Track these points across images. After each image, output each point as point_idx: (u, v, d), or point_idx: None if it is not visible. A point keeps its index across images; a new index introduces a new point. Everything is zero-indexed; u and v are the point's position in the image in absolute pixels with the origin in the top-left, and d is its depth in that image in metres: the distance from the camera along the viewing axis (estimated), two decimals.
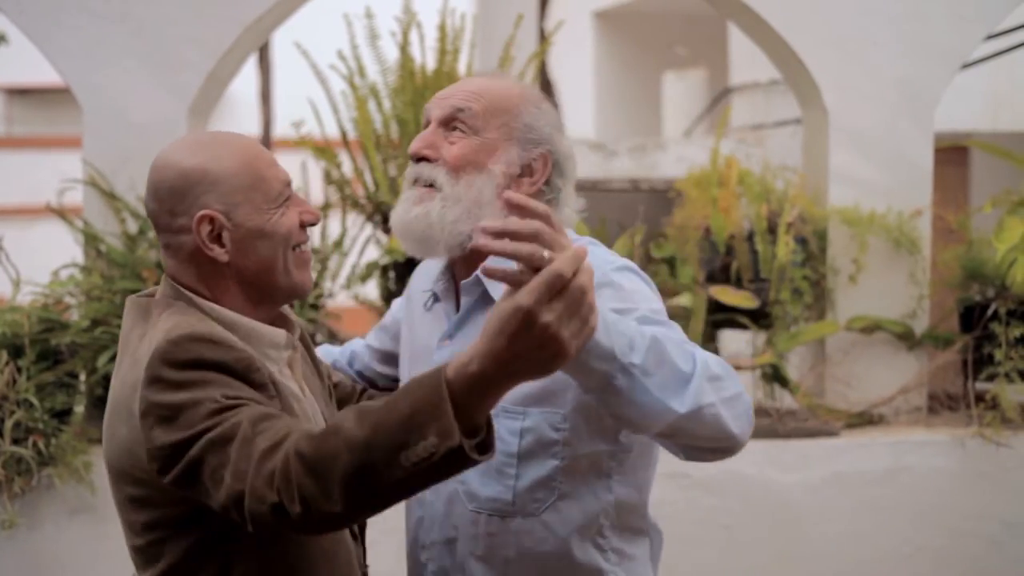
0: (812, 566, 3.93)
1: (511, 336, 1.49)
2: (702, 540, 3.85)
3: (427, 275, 2.21)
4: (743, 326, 4.18)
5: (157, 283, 3.72)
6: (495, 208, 1.97)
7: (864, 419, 4.13)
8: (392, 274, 4.16)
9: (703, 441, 1.79)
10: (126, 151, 3.96)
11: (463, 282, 2.05)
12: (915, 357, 4.20)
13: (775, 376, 4.08)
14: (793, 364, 4.34)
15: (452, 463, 1.57)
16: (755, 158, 4.65)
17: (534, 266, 1.47)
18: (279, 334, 1.95)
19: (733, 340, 5.25)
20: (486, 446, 1.59)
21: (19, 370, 3.60)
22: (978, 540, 3.98)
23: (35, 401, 3.58)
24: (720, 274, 4.18)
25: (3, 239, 3.92)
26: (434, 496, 2.06)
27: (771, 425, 3.96)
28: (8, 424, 3.55)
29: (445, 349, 2.07)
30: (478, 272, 2.00)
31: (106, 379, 3.74)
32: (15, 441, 3.58)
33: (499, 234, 1.49)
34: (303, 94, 4.54)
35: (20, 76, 11.77)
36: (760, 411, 4.05)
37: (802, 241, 4.12)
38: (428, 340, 2.13)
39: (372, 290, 4.28)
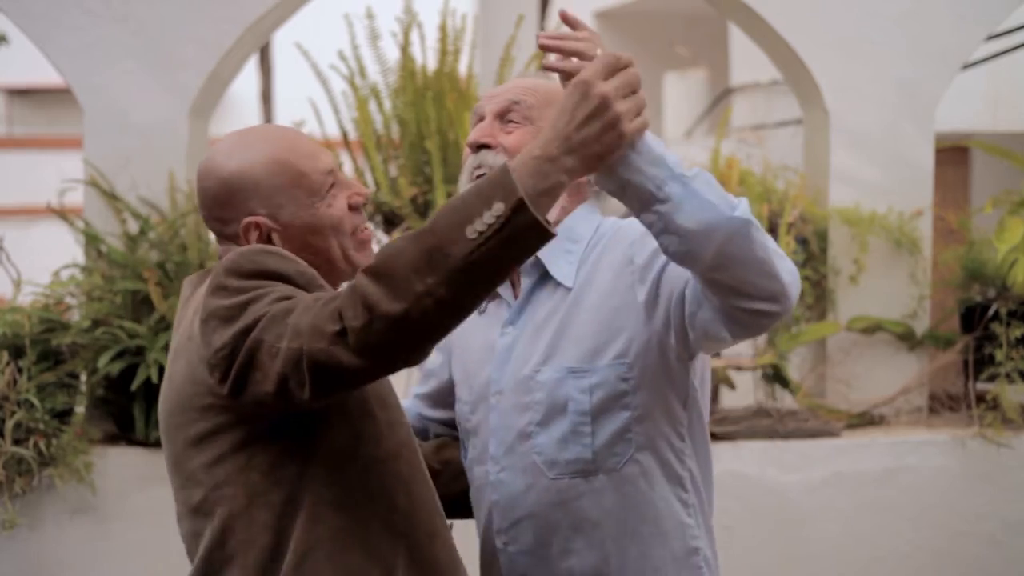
0: (813, 566, 3.93)
1: (570, 109, 1.57)
2: None
3: None
4: None
5: (158, 283, 3.75)
6: None
7: (865, 419, 4.13)
8: None
9: (753, 279, 1.76)
10: (126, 151, 3.97)
11: (523, 267, 2.06)
12: (916, 357, 4.20)
13: (776, 376, 4.08)
14: (794, 364, 4.34)
15: (521, 229, 1.56)
16: (756, 158, 4.64)
17: (589, 59, 1.61)
18: None
19: None
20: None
21: (20, 370, 3.61)
22: (978, 540, 3.97)
23: (36, 401, 3.58)
24: None
25: (4, 239, 3.92)
26: (510, 475, 2.06)
27: (772, 425, 3.96)
28: (9, 424, 3.55)
29: (508, 335, 2.09)
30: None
31: (107, 379, 3.74)
32: (16, 441, 3.58)
33: (556, 40, 1.64)
34: (304, 94, 4.54)
35: (20, 76, 11.76)
36: (761, 411, 4.05)
37: (803, 241, 4.12)
38: (487, 336, 2.14)
39: None
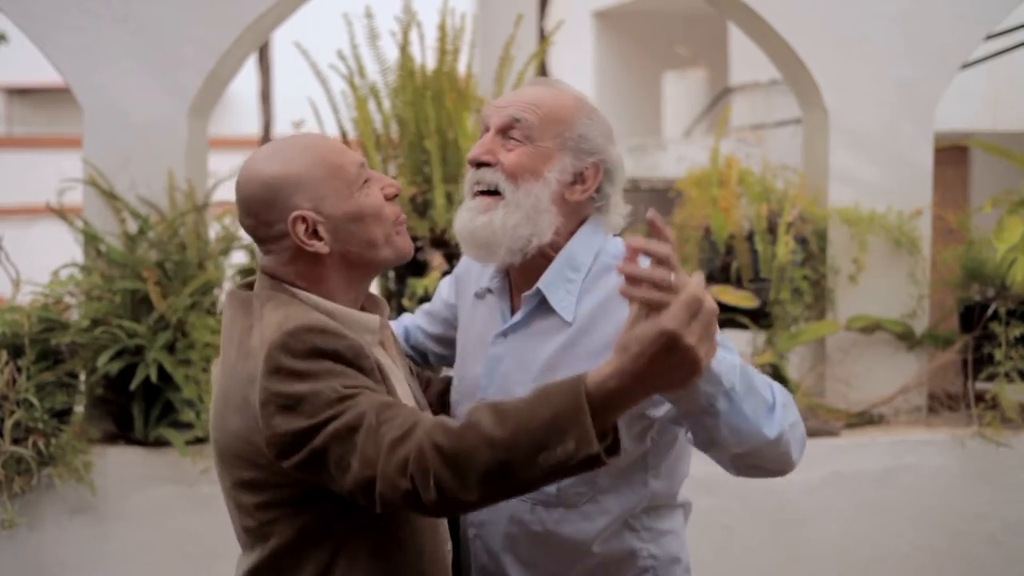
0: (812, 566, 3.93)
1: (653, 357, 1.63)
2: (702, 540, 3.85)
3: (477, 265, 2.31)
4: (743, 326, 4.18)
5: (157, 283, 3.75)
6: (551, 214, 2.09)
7: (864, 419, 4.13)
8: (392, 273, 4.17)
9: (769, 463, 1.94)
10: (126, 151, 3.97)
11: (524, 294, 2.16)
12: (915, 357, 4.20)
13: (775, 376, 4.07)
14: (793, 364, 4.34)
15: (585, 466, 1.69)
16: (755, 158, 4.65)
17: (663, 288, 1.61)
18: (372, 319, 2.07)
19: (733, 340, 5.23)
20: (613, 448, 1.72)
21: (19, 370, 3.60)
22: (978, 540, 3.98)
23: (35, 401, 3.58)
24: (720, 274, 4.18)
25: (3, 239, 3.92)
26: None
27: None
28: (8, 424, 3.55)
29: (499, 346, 2.18)
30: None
31: (106, 378, 3.74)
32: (15, 441, 3.58)
33: (641, 271, 1.62)
34: (303, 94, 4.54)
35: (20, 76, 11.75)
36: None
37: (802, 241, 4.12)
38: (482, 331, 2.23)
39: (372, 289, 4.28)
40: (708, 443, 1.92)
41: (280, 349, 1.88)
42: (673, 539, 2.23)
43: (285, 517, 1.96)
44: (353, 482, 1.80)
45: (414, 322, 2.52)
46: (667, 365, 1.63)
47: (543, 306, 2.13)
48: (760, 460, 1.93)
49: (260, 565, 1.99)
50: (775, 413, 1.90)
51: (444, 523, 2.13)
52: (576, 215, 2.14)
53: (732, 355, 1.91)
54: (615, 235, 2.22)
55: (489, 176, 2.10)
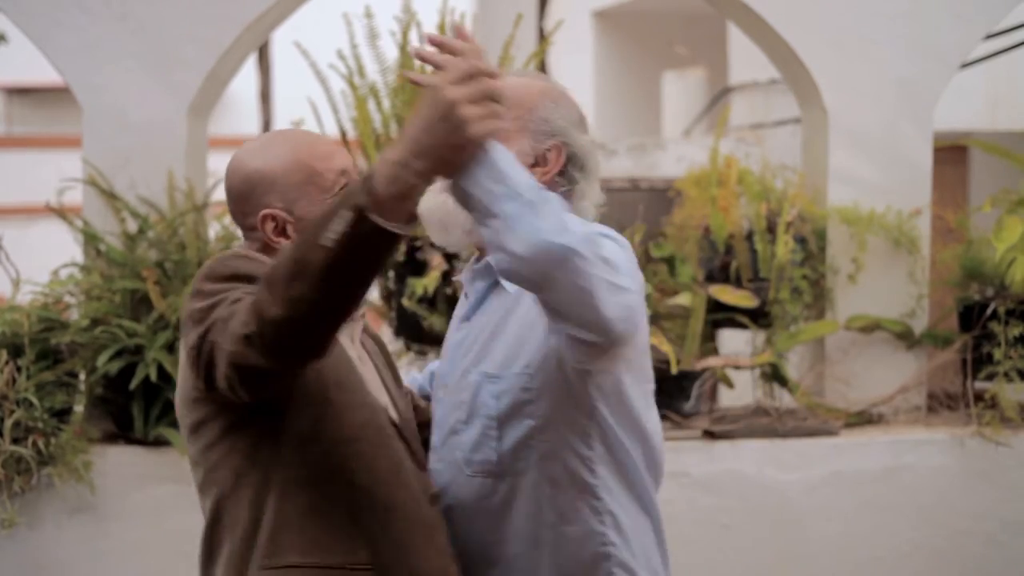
0: (811, 565, 3.93)
1: (420, 114, 1.68)
2: (701, 540, 3.85)
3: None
4: (742, 325, 4.18)
5: (156, 282, 3.75)
6: None
7: (863, 418, 4.13)
8: (392, 273, 4.17)
9: (573, 308, 1.82)
10: (126, 151, 3.97)
11: (475, 266, 2.15)
12: (914, 356, 4.20)
13: (774, 375, 4.08)
14: (792, 363, 4.34)
15: (367, 235, 1.69)
16: (754, 157, 4.64)
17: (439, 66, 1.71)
18: None
19: (732, 339, 5.25)
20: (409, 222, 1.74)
21: (19, 369, 3.61)
22: (977, 539, 3.98)
23: (35, 400, 3.58)
24: (719, 273, 4.18)
25: (3, 238, 3.92)
26: (443, 466, 2.16)
27: (770, 424, 3.96)
28: (8, 423, 3.55)
29: (461, 331, 2.18)
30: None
31: (106, 378, 3.74)
32: (15, 440, 3.58)
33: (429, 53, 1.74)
34: (302, 93, 4.53)
35: (20, 76, 11.76)
36: (759, 410, 4.05)
37: (801, 240, 4.12)
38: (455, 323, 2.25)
39: (372, 289, 4.29)
40: (497, 258, 1.82)
41: (204, 274, 1.98)
42: (643, 541, 2.14)
43: (223, 458, 2.00)
44: (224, 365, 1.84)
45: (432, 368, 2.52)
46: (433, 123, 1.67)
47: (498, 286, 2.13)
48: (557, 299, 1.82)
49: (210, 522, 2.03)
50: (578, 231, 1.77)
51: (396, 463, 2.07)
52: None
53: (590, 227, 1.85)
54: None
55: None
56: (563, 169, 2.10)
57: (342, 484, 2.00)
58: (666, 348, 3.73)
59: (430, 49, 1.76)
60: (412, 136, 1.70)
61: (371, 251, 1.72)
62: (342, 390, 2.03)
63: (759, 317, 4.13)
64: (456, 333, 2.21)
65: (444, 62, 1.73)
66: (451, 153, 1.70)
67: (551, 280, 1.78)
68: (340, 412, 2.01)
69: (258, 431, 1.97)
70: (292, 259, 1.74)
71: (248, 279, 1.93)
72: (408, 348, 4.21)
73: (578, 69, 11.13)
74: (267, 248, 2.08)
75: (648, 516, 2.17)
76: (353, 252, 1.71)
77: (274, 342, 1.78)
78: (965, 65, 4.44)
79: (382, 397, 2.12)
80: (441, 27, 4.15)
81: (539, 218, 1.75)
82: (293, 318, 1.75)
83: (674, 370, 3.78)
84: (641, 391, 2.13)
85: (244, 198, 2.10)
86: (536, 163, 2.08)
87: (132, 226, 3.95)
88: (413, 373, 2.59)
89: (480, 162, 1.74)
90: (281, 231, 2.07)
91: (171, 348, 3.73)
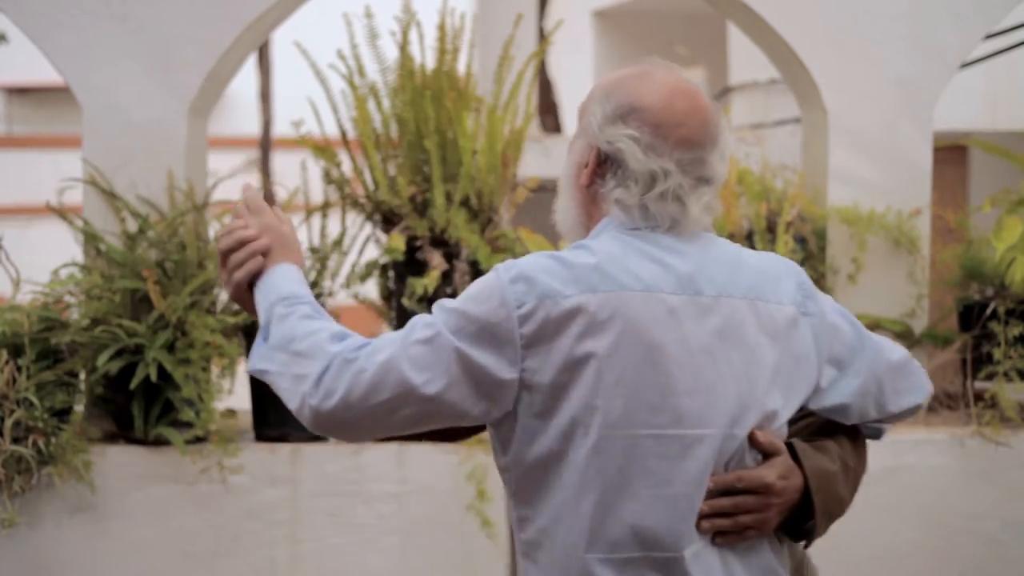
0: None
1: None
2: None
3: None
4: None
5: (157, 282, 3.75)
6: (569, 198, 2.10)
7: None
8: (392, 273, 4.17)
9: (288, 399, 2.01)
10: (126, 150, 3.97)
11: None
12: (914, 356, 4.19)
13: None
14: None
15: None
16: (754, 157, 4.65)
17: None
18: None
19: None
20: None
21: (19, 369, 3.61)
22: (977, 539, 3.97)
23: (35, 400, 3.58)
24: None
25: (3, 238, 3.92)
26: None
27: None
28: (8, 423, 3.55)
29: None
30: None
31: (106, 378, 3.74)
32: (15, 440, 3.58)
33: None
34: (302, 93, 4.53)
35: (20, 76, 11.77)
36: None
37: (801, 240, 4.12)
38: None
39: (372, 289, 4.29)
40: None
41: None
42: None
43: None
44: None
45: None
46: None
47: None
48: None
49: None
50: (259, 351, 2.03)
51: None
52: (594, 205, 2.05)
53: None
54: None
55: None
56: (596, 169, 2.03)
57: None
58: None
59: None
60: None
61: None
62: None
63: None
64: None
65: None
66: (230, 293, 2.08)
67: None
68: None
69: None
70: None
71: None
72: None
73: (578, 69, 11.14)
74: None
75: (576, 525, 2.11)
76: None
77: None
78: (965, 65, 4.44)
79: None
80: (441, 27, 4.15)
81: (256, 344, 2.02)
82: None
83: None
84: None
85: None
86: (586, 164, 2.05)
87: (132, 226, 3.95)
88: None
89: (258, 288, 2.07)
90: None
91: (171, 348, 3.73)
